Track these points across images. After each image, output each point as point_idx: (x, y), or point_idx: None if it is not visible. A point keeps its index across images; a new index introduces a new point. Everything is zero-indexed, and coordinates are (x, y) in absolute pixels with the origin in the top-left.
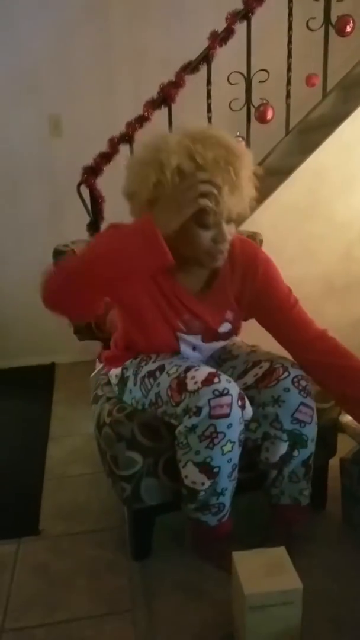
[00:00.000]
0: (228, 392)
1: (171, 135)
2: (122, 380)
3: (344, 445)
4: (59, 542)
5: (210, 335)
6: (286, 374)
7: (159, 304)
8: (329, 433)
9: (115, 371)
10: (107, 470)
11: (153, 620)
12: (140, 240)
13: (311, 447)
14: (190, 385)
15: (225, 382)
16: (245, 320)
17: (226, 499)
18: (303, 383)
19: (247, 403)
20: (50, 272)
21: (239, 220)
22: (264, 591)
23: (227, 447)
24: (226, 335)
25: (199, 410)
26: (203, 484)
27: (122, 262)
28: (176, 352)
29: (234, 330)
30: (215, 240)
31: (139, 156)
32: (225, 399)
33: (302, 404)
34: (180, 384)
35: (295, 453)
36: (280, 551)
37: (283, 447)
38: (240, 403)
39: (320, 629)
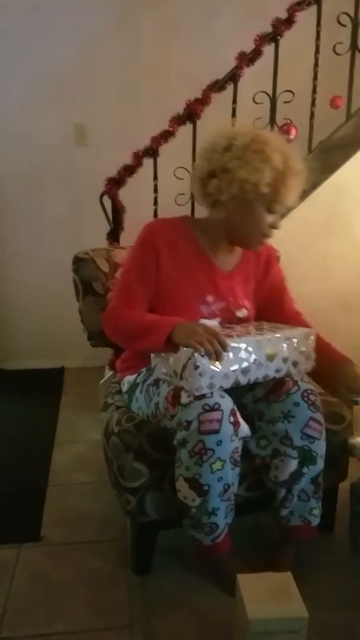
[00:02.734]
0: (219, 407)
1: (270, 133)
2: (132, 387)
3: (356, 470)
4: (60, 551)
5: (228, 319)
6: (296, 387)
7: (186, 288)
8: (339, 455)
9: (129, 378)
10: (112, 481)
11: (151, 638)
12: (154, 342)
13: (320, 463)
14: (183, 398)
15: (217, 396)
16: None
17: (219, 519)
18: (312, 397)
19: (241, 420)
20: (108, 316)
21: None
22: (269, 617)
23: (217, 465)
24: (242, 322)
25: (188, 424)
26: (193, 500)
27: (139, 345)
28: None
29: (250, 317)
30: (272, 225)
31: (242, 142)
32: (216, 414)
33: (311, 418)
34: (175, 396)
35: (305, 470)
36: (286, 576)
37: (293, 465)
38: (232, 419)
39: None
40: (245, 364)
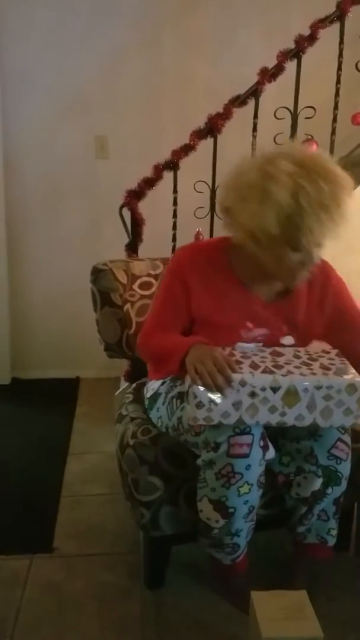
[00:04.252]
0: (250, 430)
1: (282, 162)
2: (154, 396)
3: None
4: (72, 563)
5: (272, 345)
6: None
7: (223, 315)
8: (358, 473)
9: (153, 384)
10: (126, 493)
11: None
12: (172, 368)
13: (344, 485)
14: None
15: None
16: (317, 339)
17: (241, 540)
18: None
19: (269, 444)
20: (139, 344)
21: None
22: (283, 636)
23: (244, 489)
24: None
25: (217, 446)
26: (217, 521)
27: (164, 371)
28: None
29: (299, 345)
30: (303, 263)
31: (247, 177)
32: (246, 438)
33: (339, 439)
34: None
35: (329, 490)
36: (301, 595)
37: (317, 483)
38: (262, 443)
39: None
40: (248, 402)
